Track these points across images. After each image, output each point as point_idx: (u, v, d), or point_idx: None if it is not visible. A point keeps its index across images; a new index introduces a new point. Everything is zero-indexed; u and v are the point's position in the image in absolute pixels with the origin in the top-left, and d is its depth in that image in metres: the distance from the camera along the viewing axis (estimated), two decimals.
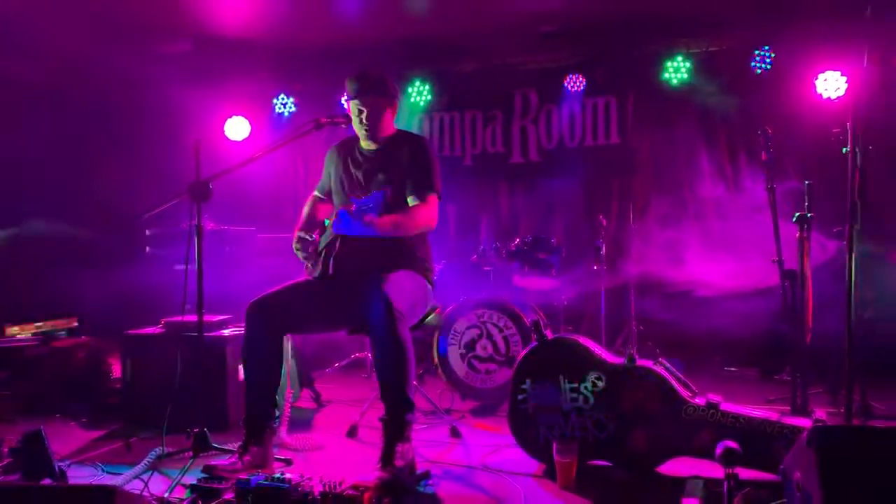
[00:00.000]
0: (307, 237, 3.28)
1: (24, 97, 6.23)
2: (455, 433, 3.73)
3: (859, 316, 4.15)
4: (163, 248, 5.23)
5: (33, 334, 4.77)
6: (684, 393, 3.03)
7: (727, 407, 2.97)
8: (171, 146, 6.17)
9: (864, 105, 2.83)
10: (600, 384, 3.09)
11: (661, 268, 5.17)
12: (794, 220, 3.71)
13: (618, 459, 3.09)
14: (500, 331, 4.47)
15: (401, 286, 3.10)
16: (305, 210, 3.62)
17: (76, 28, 5.49)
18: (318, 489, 2.59)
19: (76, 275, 5.66)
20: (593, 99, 6.19)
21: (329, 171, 3.56)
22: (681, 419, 2.99)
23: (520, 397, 3.19)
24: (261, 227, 5.56)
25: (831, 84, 5.27)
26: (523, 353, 3.28)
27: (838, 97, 5.26)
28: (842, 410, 3.02)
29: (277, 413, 3.23)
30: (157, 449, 3.29)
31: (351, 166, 3.43)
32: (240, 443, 3.12)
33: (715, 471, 2.67)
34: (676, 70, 5.81)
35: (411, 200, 3.25)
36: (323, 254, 3.32)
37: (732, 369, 5.41)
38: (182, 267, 3.31)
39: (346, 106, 3.43)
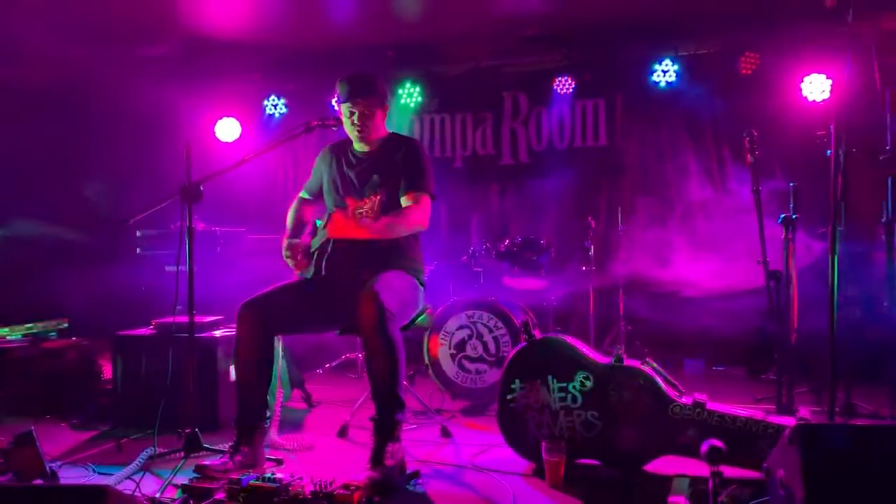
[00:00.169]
0: (296, 243, 3.33)
1: (13, 100, 6.21)
2: (445, 433, 3.76)
3: (845, 315, 4.22)
4: (153, 249, 5.23)
5: (23, 335, 4.76)
6: (671, 392, 3.07)
7: (713, 406, 3.01)
8: (162, 147, 6.18)
9: (846, 108, 2.88)
10: (588, 384, 3.13)
11: (648, 268, 5.22)
12: (780, 221, 3.75)
13: (606, 458, 3.12)
14: (491, 331, 4.50)
15: (392, 286, 3.12)
16: (291, 215, 3.64)
17: (65, 31, 5.49)
18: (308, 489, 2.62)
19: (66, 276, 5.65)
20: (582, 101, 6.23)
21: (320, 171, 3.58)
22: (667, 418, 3.02)
23: (509, 397, 3.22)
24: (251, 228, 5.57)
25: (816, 87, 5.33)
26: (512, 353, 3.31)
27: (823, 100, 5.32)
28: (826, 409, 3.07)
29: (269, 414, 3.25)
30: (148, 449, 3.30)
31: (344, 167, 3.45)
32: (231, 443, 3.14)
33: (701, 469, 2.70)
34: (664, 73, 5.86)
35: (404, 201, 3.28)
36: (315, 255, 3.35)
37: (720, 368, 5.46)
38: (173, 268, 3.32)
39: (337, 108, 3.45)
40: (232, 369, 3.70)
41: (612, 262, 5.44)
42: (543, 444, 3.01)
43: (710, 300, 4.92)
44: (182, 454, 3.24)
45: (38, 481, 2.78)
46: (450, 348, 4.56)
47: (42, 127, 6.08)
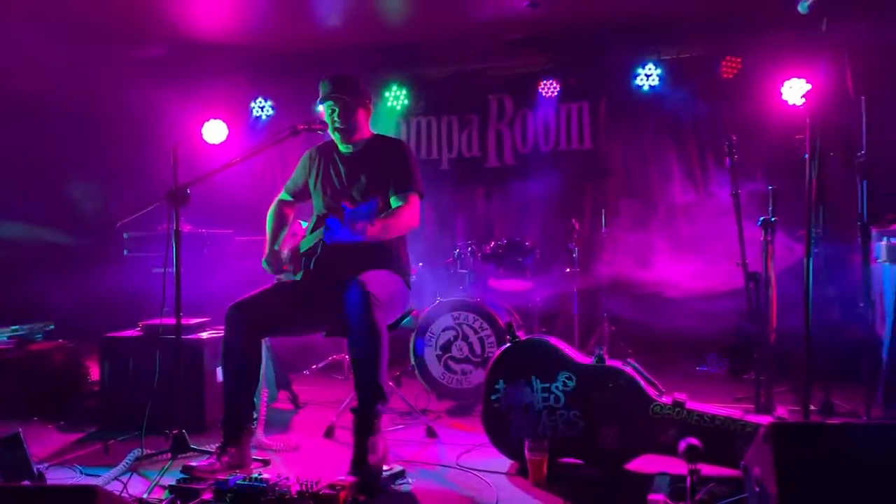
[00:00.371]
0: (276, 254, 3.39)
1: None
2: (431, 433, 3.80)
3: (824, 316, 4.30)
4: (141, 251, 5.25)
5: (9, 337, 4.76)
6: (651, 392, 3.12)
7: (692, 405, 3.06)
8: (150, 149, 6.17)
9: (822, 113, 2.94)
10: (571, 384, 3.18)
11: (631, 270, 5.29)
12: (759, 224, 3.82)
13: (588, 457, 3.18)
14: (476, 332, 4.55)
15: (379, 280, 3.17)
16: (271, 217, 3.65)
17: (52, 34, 5.49)
18: (294, 489, 2.64)
19: (53, 278, 5.65)
20: (567, 104, 6.30)
21: (305, 172, 3.61)
22: (648, 417, 3.08)
23: (493, 397, 3.27)
24: (239, 230, 5.60)
25: (797, 91, 5.42)
26: (496, 353, 3.36)
27: (803, 104, 5.40)
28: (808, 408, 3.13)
29: (255, 415, 3.28)
30: (135, 451, 3.32)
31: (331, 169, 3.49)
32: (218, 444, 3.16)
33: (682, 467, 2.75)
34: (647, 76, 5.93)
35: (394, 201, 3.32)
36: (304, 257, 3.39)
37: (703, 368, 5.53)
38: (160, 270, 3.35)
39: (320, 110, 3.49)
40: (219, 371, 3.73)
41: (596, 264, 5.51)
42: (526, 443, 3.05)
43: (692, 301, 4.99)
44: (169, 455, 3.26)
45: (26, 483, 2.80)
46: (436, 349, 4.61)
47: (29, 128, 6.07)
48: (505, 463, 3.26)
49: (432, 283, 5.03)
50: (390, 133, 6.49)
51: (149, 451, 3.34)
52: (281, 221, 3.66)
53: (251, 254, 5.28)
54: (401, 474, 3.07)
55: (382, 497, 2.88)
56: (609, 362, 3.20)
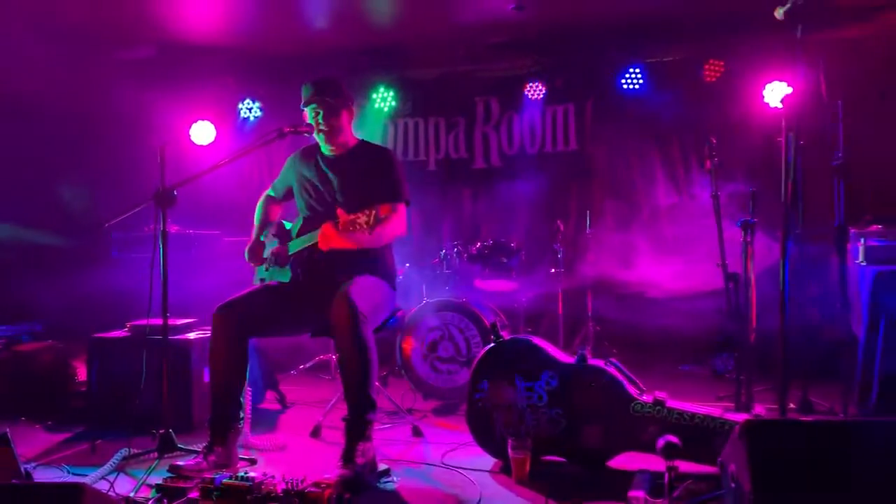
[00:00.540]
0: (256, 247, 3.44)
1: None
2: (417, 432, 3.84)
3: (803, 315, 4.37)
4: (129, 252, 5.26)
5: None
6: (632, 390, 3.18)
7: (673, 404, 3.12)
8: (138, 150, 6.17)
9: (799, 116, 3.01)
10: (554, 383, 3.23)
11: (615, 270, 5.35)
12: (739, 225, 3.89)
13: (570, 455, 3.23)
14: (462, 332, 4.60)
15: (364, 289, 3.21)
16: (259, 211, 3.74)
17: (39, 34, 5.49)
18: (280, 487, 2.67)
19: (41, 279, 5.65)
20: (553, 106, 6.35)
21: (289, 175, 3.66)
22: (629, 416, 3.13)
23: (477, 396, 3.32)
24: (226, 231, 5.62)
25: (778, 94, 5.48)
26: (480, 353, 3.41)
27: (781, 107, 5.47)
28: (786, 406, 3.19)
29: (242, 415, 3.32)
30: (122, 450, 3.35)
31: (315, 172, 3.53)
32: (205, 443, 3.20)
33: (662, 465, 2.81)
34: (632, 79, 5.99)
35: (382, 210, 3.36)
36: (291, 260, 3.43)
37: (687, 368, 5.59)
38: (147, 271, 3.37)
39: (304, 114, 3.52)
40: (206, 371, 3.75)
41: (580, 265, 5.56)
42: (509, 441, 3.10)
43: (674, 301, 5.06)
44: (156, 455, 3.29)
45: (14, 482, 2.82)
46: (422, 349, 4.65)
47: (16, 129, 6.06)
48: (489, 461, 3.31)
49: (419, 283, 5.08)
50: (378, 134, 6.57)
51: (136, 451, 3.36)
52: (266, 215, 3.74)
53: (239, 254, 5.28)
54: (386, 473, 3.12)
55: (367, 495, 2.92)
56: (591, 361, 3.26)
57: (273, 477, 2.72)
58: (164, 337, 3.42)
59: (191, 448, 3.33)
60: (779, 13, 2.79)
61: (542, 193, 6.19)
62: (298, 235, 3.49)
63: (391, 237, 3.38)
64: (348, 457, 2.98)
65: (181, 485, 2.89)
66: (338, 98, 3.43)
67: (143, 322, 3.84)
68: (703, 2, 5.22)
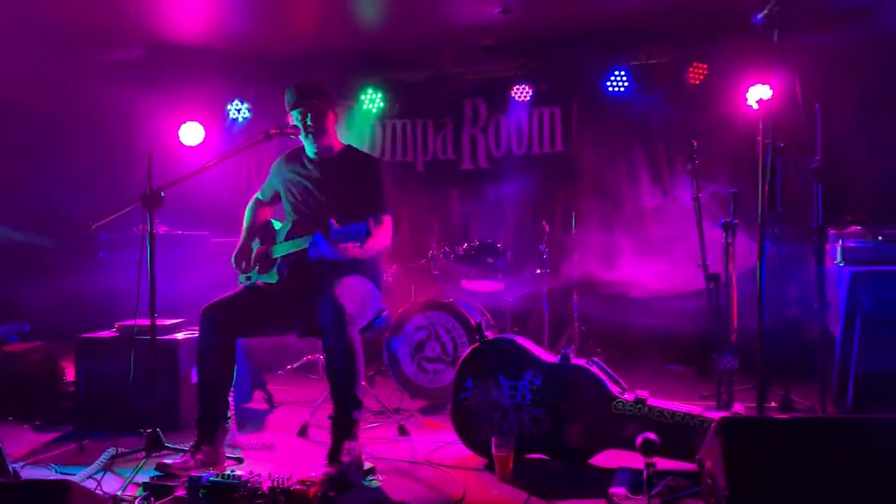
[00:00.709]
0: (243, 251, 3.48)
1: None
2: (403, 431, 3.88)
3: (784, 315, 4.43)
4: (116, 253, 5.27)
5: None
6: (614, 389, 3.23)
7: (654, 402, 3.17)
8: (126, 151, 6.19)
9: (777, 118, 3.07)
10: (537, 382, 3.28)
11: (599, 270, 5.40)
12: (720, 226, 3.95)
13: (553, 453, 3.28)
14: (448, 332, 4.64)
15: (351, 290, 3.25)
16: (247, 215, 3.77)
17: (26, 35, 5.49)
18: (266, 485, 2.70)
19: (29, 280, 5.64)
20: (539, 109, 6.40)
21: (276, 180, 3.69)
22: (611, 414, 3.18)
23: (462, 395, 3.36)
24: (214, 232, 5.64)
25: (760, 96, 5.54)
26: (465, 353, 3.46)
27: (759, 109, 5.53)
28: (766, 405, 3.25)
29: (229, 414, 3.35)
30: (110, 449, 3.37)
31: (300, 174, 3.56)
32: (192, 442, 3.23)
33: (643, 462, 2.86)
34: (617, 82, 6.05)
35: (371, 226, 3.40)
36: (279, 260, 3.46)
37: (674, 367, 5.65)
38: (135, 272, 3.39)
39: (289, 118, 3.55)
40: (193, 371, 3.78)
41: (565, 265, 5.61)
42: (493, 440, 3.15)
43: (659, 301, 5.11)
44: (143, 454, 3.31)
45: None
46: (409, 349, 4.69)
47: (3, 130, 6.06)
48: (474, 459, 3.35)
49: (406, 283, 5.12)
50: (366, 135, 6.61)
51: (123, 450, 3.39)
52: (255, 219, 3.77)
53: (227, 255, 5.32)
54: (371, 471, 3.16)
55: (352, 492, 2.96)
56: (574, 361, 3.31)
57: (259, 475, 2.75)
58: (152, 337, 3.45)
59: (178, 447, 3.35)
60: (756, 19, 2.85)
61: (528, 194, 6.24)
62: (286, 239, 3.52)
63: (378, 248, 3.43)
64: (334, 455, 3.03)
65: (168, 483, 2.92)
66: (323, 100, 3.47)
67: (131, 322, 3.86)
68: (687, 6, 5.28)
